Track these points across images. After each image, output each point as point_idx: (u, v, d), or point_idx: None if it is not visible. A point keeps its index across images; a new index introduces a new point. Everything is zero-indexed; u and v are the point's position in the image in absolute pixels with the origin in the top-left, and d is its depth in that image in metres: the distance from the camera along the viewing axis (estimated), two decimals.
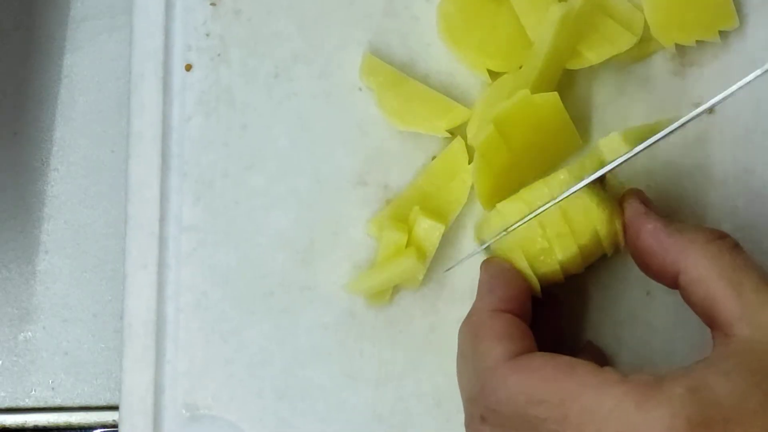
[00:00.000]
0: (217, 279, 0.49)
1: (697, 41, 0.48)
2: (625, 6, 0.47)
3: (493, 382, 0.39)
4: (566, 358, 0.38)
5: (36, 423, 0.55)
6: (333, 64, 0.49)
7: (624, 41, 0.47)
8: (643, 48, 0.48)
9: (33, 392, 0.56)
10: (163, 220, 0.49)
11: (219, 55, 0.49)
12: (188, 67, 0.49)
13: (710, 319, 0.39)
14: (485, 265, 0.44)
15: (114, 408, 0.55)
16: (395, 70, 0.49)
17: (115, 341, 0.56)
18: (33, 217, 0.57)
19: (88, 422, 0.55)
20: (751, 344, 0.37)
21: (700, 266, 0.39)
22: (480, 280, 0.44)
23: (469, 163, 0.48)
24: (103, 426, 0.55)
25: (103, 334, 0.56)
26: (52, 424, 0.55)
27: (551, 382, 0.37)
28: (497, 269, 0.44)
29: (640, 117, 0.48)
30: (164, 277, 0.49)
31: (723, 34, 0.48)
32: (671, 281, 0.40)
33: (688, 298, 0.40)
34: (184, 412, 0.48)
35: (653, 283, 0.42)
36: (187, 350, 0.49)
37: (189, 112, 0.49)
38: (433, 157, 0.49)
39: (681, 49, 0.48)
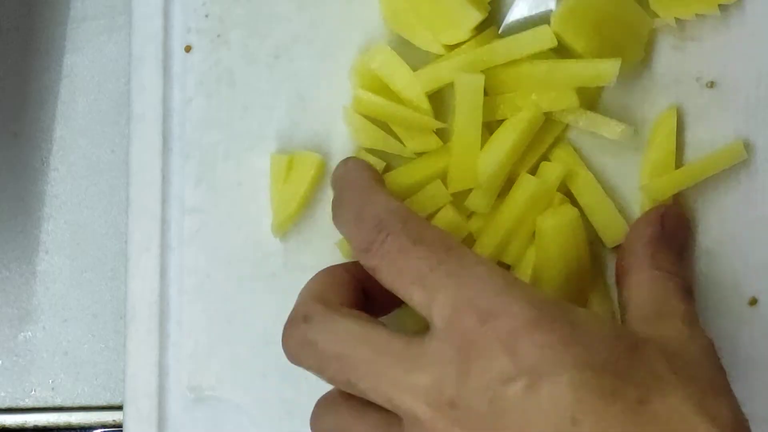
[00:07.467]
0: (220, 260, 0.48)
1: (697, 15, 0.47)
2: (633, 7, 0.47)
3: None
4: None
5: (36, 423, 0.55)
6: (334, 44, 0.49)
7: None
8: None
9: (33, 392, 0.55)
10: (165, 202, 0.49)
11: (219, 36, 0.49)
12: (188, 49, 0.49)
13: None
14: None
15: (114, 408, 0.55)
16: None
17: (115, 341, 0.55)
18: (33, 217, 0.56)
19: (88, 422, 0.55)
20: None
21: None
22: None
23: None
24: (103, 426, 0.55)
25: (103, 334, 0.56)
26: (52, 424, 0.55)
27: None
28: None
29: (639, 92, 0.48)
30: (167, 259, 0.49)
31: (723, 8, 0.48)
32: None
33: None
34: (188, 393, 0.48)
35: None
36: (191, 332, 0.48)
37: (190, 94, 0.49)
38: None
39: (681, 23, 0.48)
